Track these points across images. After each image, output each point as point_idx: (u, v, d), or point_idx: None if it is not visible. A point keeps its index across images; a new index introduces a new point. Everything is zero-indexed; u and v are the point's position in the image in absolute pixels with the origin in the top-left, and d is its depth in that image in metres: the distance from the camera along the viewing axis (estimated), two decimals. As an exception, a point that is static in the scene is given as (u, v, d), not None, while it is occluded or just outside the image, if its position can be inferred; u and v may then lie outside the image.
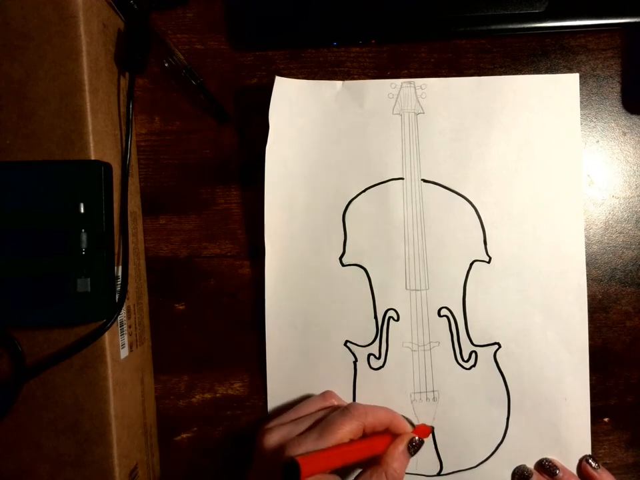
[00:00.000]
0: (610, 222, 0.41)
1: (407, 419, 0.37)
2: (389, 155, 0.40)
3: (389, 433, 0.35)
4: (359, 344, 0.40)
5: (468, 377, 0.40)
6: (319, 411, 0.37)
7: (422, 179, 0.40)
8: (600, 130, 0.41)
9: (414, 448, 0.35)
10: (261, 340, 0.41)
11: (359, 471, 0.35)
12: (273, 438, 0.35)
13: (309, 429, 0.35)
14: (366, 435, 0.35)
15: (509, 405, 0.40)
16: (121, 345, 0.35)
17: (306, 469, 0.30)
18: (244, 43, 0.41)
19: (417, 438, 0.35)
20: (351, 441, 0.34)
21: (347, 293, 0.40)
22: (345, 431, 0.33)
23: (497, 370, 0.40)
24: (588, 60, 0.41)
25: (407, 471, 0.39)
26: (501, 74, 0.41)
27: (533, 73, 0.41)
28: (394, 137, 0.40)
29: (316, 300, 0.40)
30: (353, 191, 0.40)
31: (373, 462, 0.34)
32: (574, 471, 0.40)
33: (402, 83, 0.40)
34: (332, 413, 0.35)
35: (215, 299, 0.41)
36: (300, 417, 0.36)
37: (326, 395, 0.39)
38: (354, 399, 0.40)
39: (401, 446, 0.34)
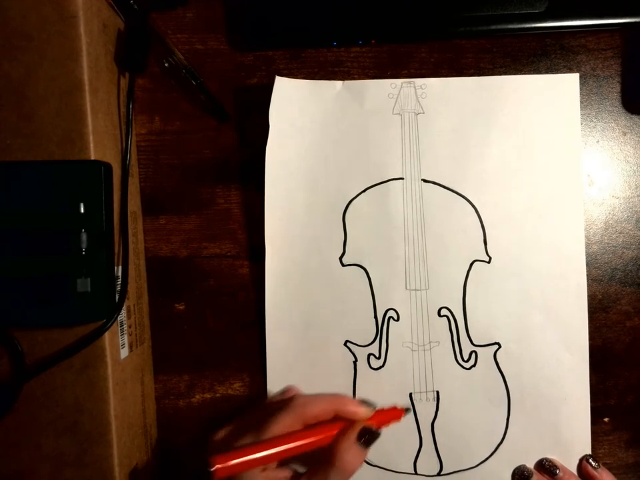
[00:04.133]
0: (610, 222, 0.41)
1: (368, 402, 0.33)
2: (389, 154, 0.40)
3: (342, 421, 0.32)
4: (359, 344, 0.40)
5: (468, 377, 0.40)
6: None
7: (422, 179, 0.40)
8: (600, 130, 0.41)
9: (366, 439, 0.31)
10: (261, 340, 0.41)
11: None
12: (220, 434, 0.35)
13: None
14: (310, 426, 0.32)
15: (509, 404, 0.40)
16: (121, 345, 0.35)
17: (221, 470, 0.29)
18: (244, 43, 0.41)
19: (370, 428, 0.32)
20: (290, 433, 0.31)
21: (346, 293, 0.40)
22: (280, 424, 0.31)
23: (497, 370, 0.40)
24: (588, 60, 0.41)
25: (406, 472, 0.40)
26: (501, 74, 0.41)
27: (533, 73, 0.41)
28: (394, 136, 0.40)
29: (316, 300, 0.40)
30: (353, 190, 0.40)
31: (323, 455, 0.32)
32: (574, 471, 0.40)
33: (402, 83, 0.40)
34: (273, 406, 0.34)
35: (215, 299, 0.41)
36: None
37: (286, 390, 0.38)
38: (354, 399, 0.40)
39: (351, 437, 0.31)
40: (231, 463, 0.30)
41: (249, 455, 0.30)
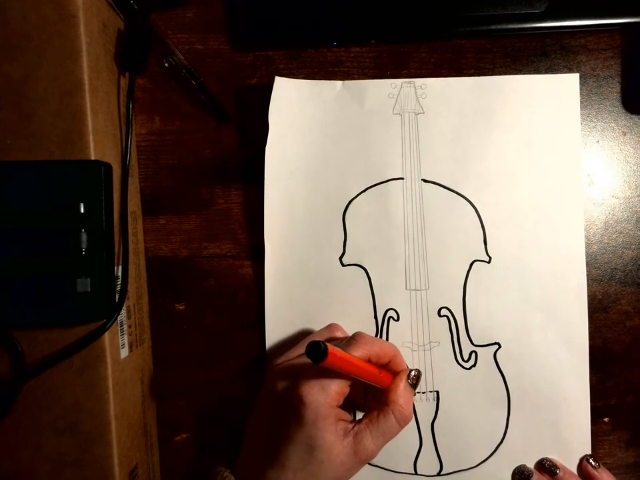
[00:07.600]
0: (610, 222, 0.41)
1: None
2: (389, 154, 0.40)
3: (391, 372, 0.36)
4: (359, 344, 0.40)
5: (468, 377, 0.40)
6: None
7: (422, 179, 0.40)
8: (600, 130, 0.41)
9: (413, 381, 0.35)
10: (261, 340, 0.41)
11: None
12: (283, 373, 0.35)
13: None
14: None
15: (508, 404, 0.40)
16: (121, 345, 0.35)
17: (331, 355, 0.29)
18: (244, 43, 0.41)
19: (413, 371, 0.35)
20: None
21: (347, 293, 0.40)
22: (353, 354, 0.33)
23: (497, 370, 0.40)
24: (588, 60, 0.41)
25: (406, 472, 0.40)
26: (500, 74, 0.41)
27: (533, 73, 0.41)
28: (394, 136, 0.40)
29: (316, 300, 0.40)
30: (353, 190, 0.40)
31: (379, 404, 0.35)
32: (574, 471, 0.40)
33: (402, 83, 0.40)
34: (339, 344, 0.35)
35: (215, 299, 0.41)
36: None
37: (331, 327, 0.38)
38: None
39: (402, 382, 0.35)
40: (338, 352, 0.30)
41: (345, 359, 0.31)
